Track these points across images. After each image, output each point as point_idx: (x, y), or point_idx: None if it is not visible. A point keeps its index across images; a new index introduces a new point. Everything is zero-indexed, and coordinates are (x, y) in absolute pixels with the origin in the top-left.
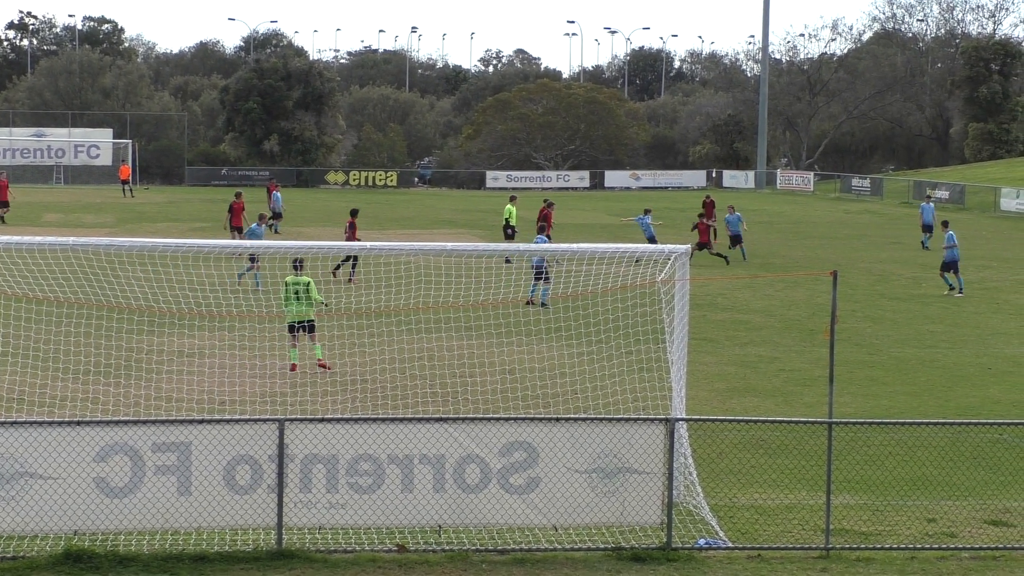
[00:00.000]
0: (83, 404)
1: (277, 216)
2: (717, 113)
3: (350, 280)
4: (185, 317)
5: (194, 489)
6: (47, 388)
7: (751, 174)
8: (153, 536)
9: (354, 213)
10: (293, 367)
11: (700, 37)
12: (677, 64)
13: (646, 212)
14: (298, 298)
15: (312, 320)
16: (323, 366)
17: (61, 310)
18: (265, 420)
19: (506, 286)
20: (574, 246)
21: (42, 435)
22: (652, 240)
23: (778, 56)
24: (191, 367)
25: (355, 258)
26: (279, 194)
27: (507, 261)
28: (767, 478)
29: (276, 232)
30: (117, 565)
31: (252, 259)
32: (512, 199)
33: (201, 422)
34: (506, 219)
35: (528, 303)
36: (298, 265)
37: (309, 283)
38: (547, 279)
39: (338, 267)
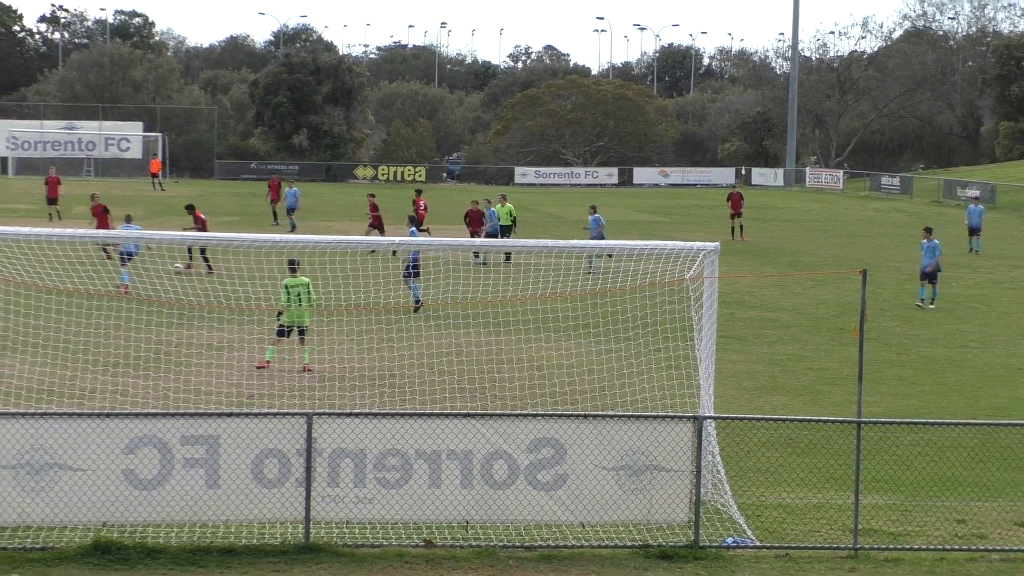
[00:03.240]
0: (112, 396)
1: (291, 211)
2: (746, 110)
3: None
4: (214, 311)
5: (222, 482)
6: (77, 380)
7: (780, 172)
8: (181, 528)
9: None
10: (267, 364)
11: (729, 34)
12: (706, 61)
13: (593, 210)
14: (300, 302)
15: (306, 325)
16: (308, 370)
17: (91, 302)
18: (293, 414)
19: (534, 282)
20: (602, 243)
21: (72, 427)
22: (600, 238)
23: (808, 54)
24: (220, 360)
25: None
26: (297, 190)
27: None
28: (795, 477)
29: (293, 228)
30: (145, 557)
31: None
32: (502, 198)
33: (230, 415)
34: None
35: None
36: (294, 266)
37: (308, 284)
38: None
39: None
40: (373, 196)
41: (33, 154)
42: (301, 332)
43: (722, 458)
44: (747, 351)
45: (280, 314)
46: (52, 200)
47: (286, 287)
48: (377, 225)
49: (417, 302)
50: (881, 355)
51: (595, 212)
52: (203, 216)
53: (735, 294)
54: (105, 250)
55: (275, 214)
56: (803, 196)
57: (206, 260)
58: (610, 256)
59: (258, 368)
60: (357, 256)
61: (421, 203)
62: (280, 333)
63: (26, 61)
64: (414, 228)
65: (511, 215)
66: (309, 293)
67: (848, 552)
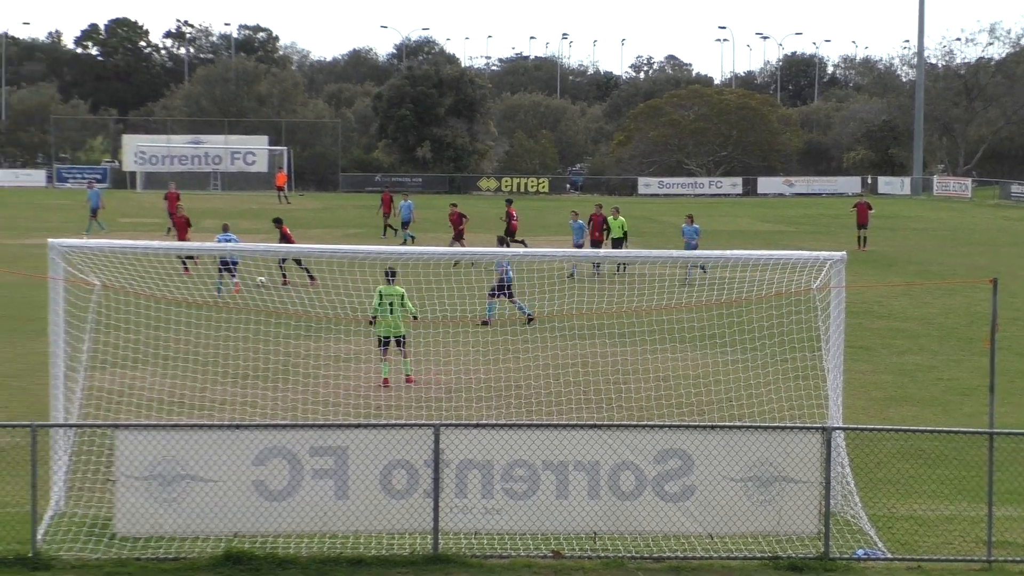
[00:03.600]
0: (242, 408)
1: (405, 224)
2: (871, 119)
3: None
4: (341, 322)
5: (351, 493)
6: (207, 392)
7: (907, 180)
8: (311, 539)
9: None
10: (385, 382)
11: (854, 42)
12: (830, 69)
13: (690, 220)
14: (392, 310)
15: (404, 335)
16: (410, 381)
17: (220, 315)
18: (421, 425)
19: (659, 293)
20: (727, 253)
21: (202, 438)
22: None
23: (934, 61)
24: (347, 372)
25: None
26: (411, 202)
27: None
28: (926, 488)
29: (413, 240)
30: (276, 567)
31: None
32: (615, 210)
33: (358, 427)
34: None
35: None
36: (391, 275)
37: (403, 295)
38: (510, 295)
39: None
40: (455, 206)
41: (160, 168)
42: (399, 342)
43: (852, 469)
44: (876, 361)
45: (373, 321)
46: (172, 214)
47: (380, 294)
48: (459, 237)
49: (529, 316)
50: (1013, 365)
51: (692, 222)
52: (289, 231)
53: (863, 304)
54: (184, 263)
55: (385, 227)
56: (931, 205)
57: (306, 271)
58: (703, 268)
59: (377, 387)
60: (482, 268)
61: (513, 213)
62: (380, 345)
63: (153, 77)
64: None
65: (623, 228)
66: (404, 303)
67: (982, 564)
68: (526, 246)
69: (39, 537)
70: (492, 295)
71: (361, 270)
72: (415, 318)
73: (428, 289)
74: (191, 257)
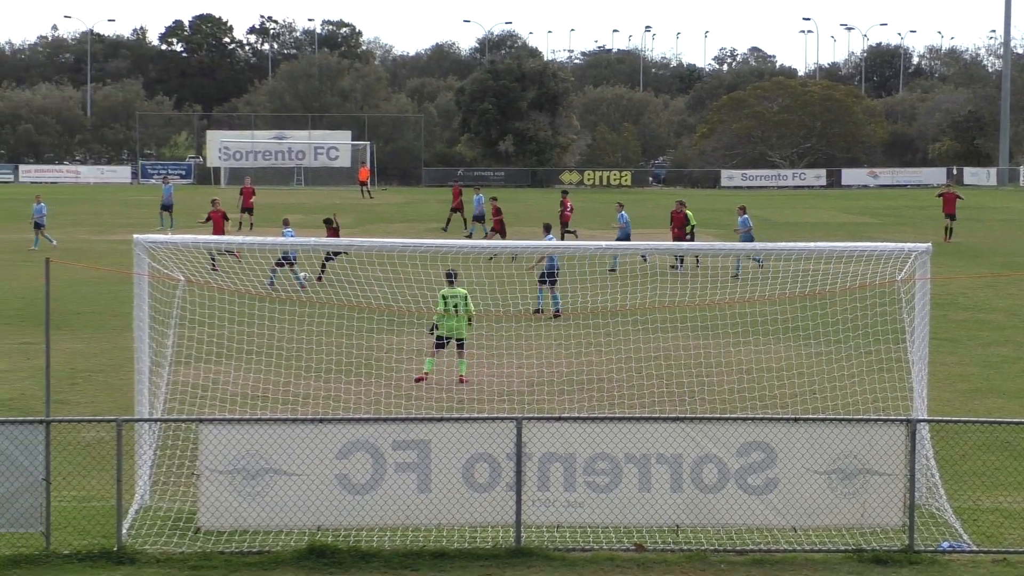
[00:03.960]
0: (325, 402)
1: (478, 219)
2: (957, 109)
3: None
4: (424, 316)
5: (434, 486)
6: (291, 386)
7: (993, 171)
8: (394, 532)
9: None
10: (424, 377)
11: (939, 32)
12: (916, 60)
13: (742, 211)
14: (457, 312)
15: (464, 338)
16: (463, 381)
17: (303, 310)
18: (503, 418)
19: (742, 286)
20: (811, 245)
21: (286, 432)
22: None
23: (1021, 51)
24: (437, 365)
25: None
26: (482, 196)
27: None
28: (1012, 480)
29: (487, 234)
30: (359, 561)
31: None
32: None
33: (440, 420)
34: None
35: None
36: (452, 277)
37: (466, 296)
38: (553, 283)
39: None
40: (495, 200)
41: (244, 164)
42: (460, 344)
43: (936, 461)
44: (961, 353)
45: (435, 327)
46: (246, 209)
47: (443, 297)
48: (499, 229)
49: (556, 311)
50: None
51: (744, 213)
52: (337, 228)
53: (948, 295)
54: (212, 257)
55: (449, 220)
56: (1017, 195)
57: (323, 265)
58: (758, 261)
59: (416, 381)
60: (563, 262)
61: (568, 204)
62: (439, 345)
63: (236, 72)
64: (550, 236)
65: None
66: (467, 305)
67: None
68: (578, 237)
69: (124, 531)
70: (542, 282)
71: (444, 264)
72: (469, 320)
73: (503, 283)
74: (231, 252)
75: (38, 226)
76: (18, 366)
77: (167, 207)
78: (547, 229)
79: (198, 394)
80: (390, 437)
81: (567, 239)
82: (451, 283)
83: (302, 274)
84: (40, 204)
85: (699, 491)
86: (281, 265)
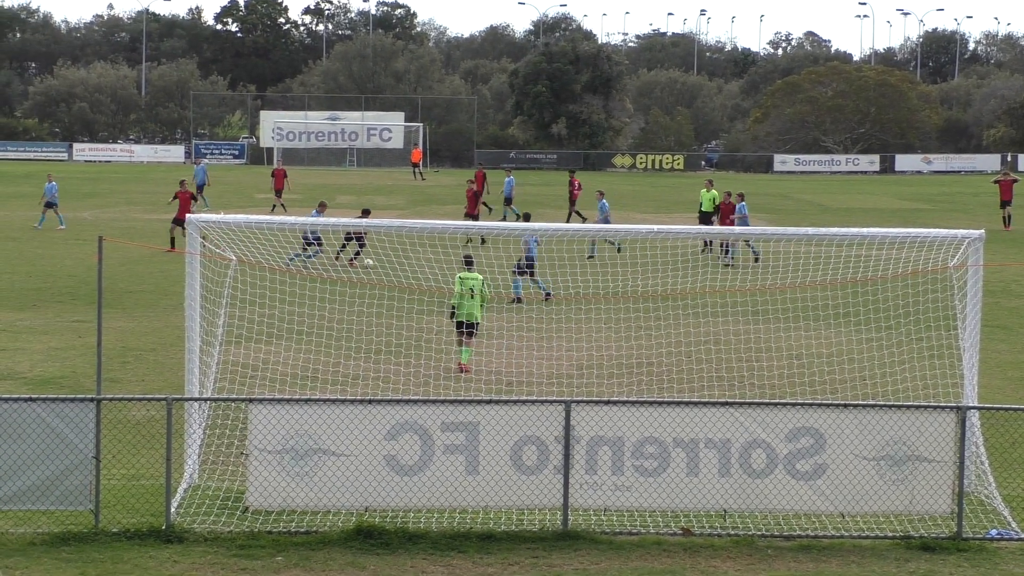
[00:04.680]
0: (374, 383)
1: (508, 200)
2: (1013, 96)
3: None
4: (474, 297)
5: (482, 468)
6: (340, 366)
7: None
8: (441, 514)
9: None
10: (463, 368)
11: (996, 18)
12: (972, 46)
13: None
14: (472, 296)
15: (477, 322)
16: (465, 370)
17: (353, 290)
18: (551, 401)
19: (793, 271)
20: (864, 230)
21: (335, 413)
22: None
23: None
24: (479, 347)
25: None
26: (512, 178)
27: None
28: None
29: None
30: (406, 542)
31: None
32: (709, 183)
33: (489, 402)
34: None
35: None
36: (469, 261)
37: (481, 280)
38: (531, 273)
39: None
40: (472, 182)
41: (297, 144)
42: (471, 329)
43: (986, 449)
44: (1013, 341)
45: (454, 311)
46: (278, 192)
47: (460, 280)
48: (471, 214)
49: (547, 294)
50: None
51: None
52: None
53: (1000, 283)
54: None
55: (478, 204)
56: None
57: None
58: (615, 245)
59: (461, 372)
60: (606, 245)
61: (576, 183)
62: (459, 329)
63: (291, 53)
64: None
65: (713, 202)
66: (483, 289)
67: None
68: (584, 220)
69: (172, 510)
70: (518, 272)
71: (495, 246)
72: (482, 305)
73: (554, 265)
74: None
75: (50, 204)
76: (69, 344)
77: (200, 187)
78: (526, 218)
79: (248, 374)
80: (439, 419)
81: (573, 221)
82: (468, 267)
83: (368, 261)
84: (52, 183)
85: (747, 476)
86: (311, 245)
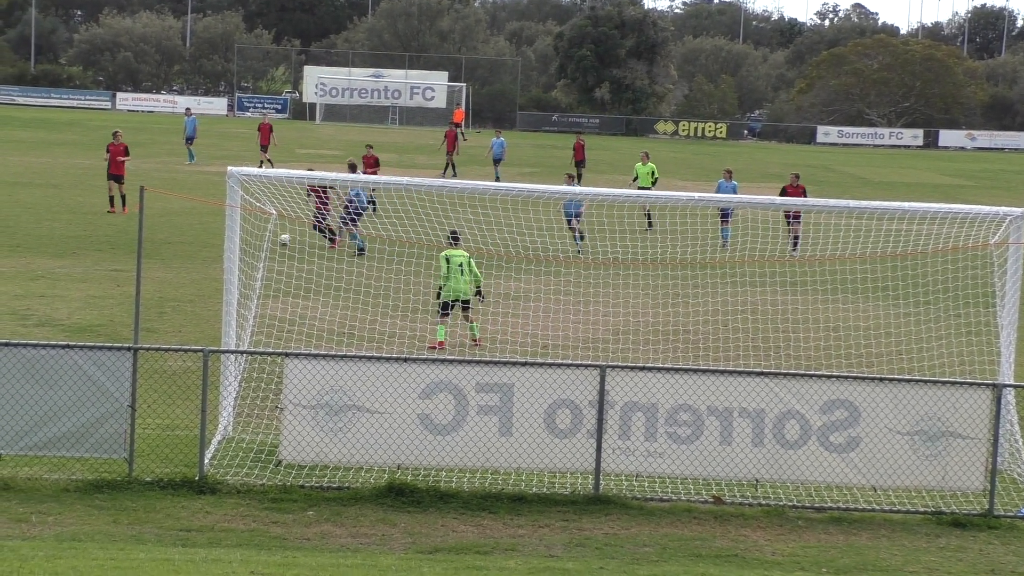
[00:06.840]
0: (410, 341)
1: (497, 162)
2: None
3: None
4: (512, 260)
5: (515, 430)
6: (376, 324)
7: None
8: (473, 474)
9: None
10: (440, 344)
11: None
12: (1020, 23)
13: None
14: (461, 273)
15: (469, 298)
16: (477, 344)
17: (392, 249)
18: (587, 366)
19: (833, 243)
20: (905, 205)
21: (371, 370)
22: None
23: None
24: (516, 310)
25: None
26: (503, 139)
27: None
28: None
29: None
30: (438, 500)
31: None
32: (645, 155)
33: (524, 364)
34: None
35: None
36: (455, 238)
37: (468, 258)
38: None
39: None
40: (371, 148)
41: (340, 101)
42: (465, 306)
43: (1020, 427)
44: None
45: (440, 291)
46: (263, 147)
47: (446, 258)
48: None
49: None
50: None
51: (731, 178)
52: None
53: None
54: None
55: (448, 165)
56: None
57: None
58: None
59: (430, 348)
60: (634, 212)
61: (580, 145)
62: (444, 309)
63: (336, 9)
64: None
65: (653, 175)
66: (470, 266)
67: None
68: (574, 182)
69: (206, 461)
70: (346, 222)
71: (535, 209)
72: (478, 290)
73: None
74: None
75: (190, 139)
76: (108, 293)
77: (190, 139)
78: (571, 179)
79: (285, 328)
80: (473, 379)
81: (568, 183)
82: (454, 244)
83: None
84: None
85: (780, 447)
86: (353, 221)
